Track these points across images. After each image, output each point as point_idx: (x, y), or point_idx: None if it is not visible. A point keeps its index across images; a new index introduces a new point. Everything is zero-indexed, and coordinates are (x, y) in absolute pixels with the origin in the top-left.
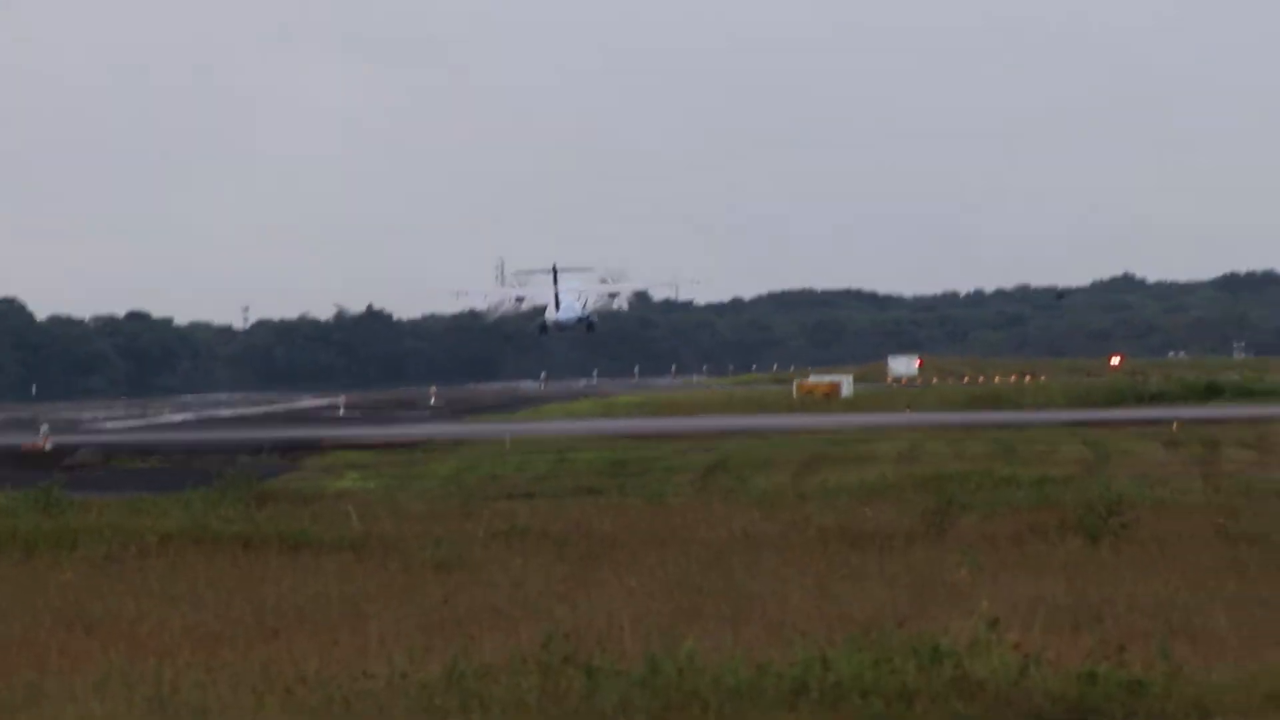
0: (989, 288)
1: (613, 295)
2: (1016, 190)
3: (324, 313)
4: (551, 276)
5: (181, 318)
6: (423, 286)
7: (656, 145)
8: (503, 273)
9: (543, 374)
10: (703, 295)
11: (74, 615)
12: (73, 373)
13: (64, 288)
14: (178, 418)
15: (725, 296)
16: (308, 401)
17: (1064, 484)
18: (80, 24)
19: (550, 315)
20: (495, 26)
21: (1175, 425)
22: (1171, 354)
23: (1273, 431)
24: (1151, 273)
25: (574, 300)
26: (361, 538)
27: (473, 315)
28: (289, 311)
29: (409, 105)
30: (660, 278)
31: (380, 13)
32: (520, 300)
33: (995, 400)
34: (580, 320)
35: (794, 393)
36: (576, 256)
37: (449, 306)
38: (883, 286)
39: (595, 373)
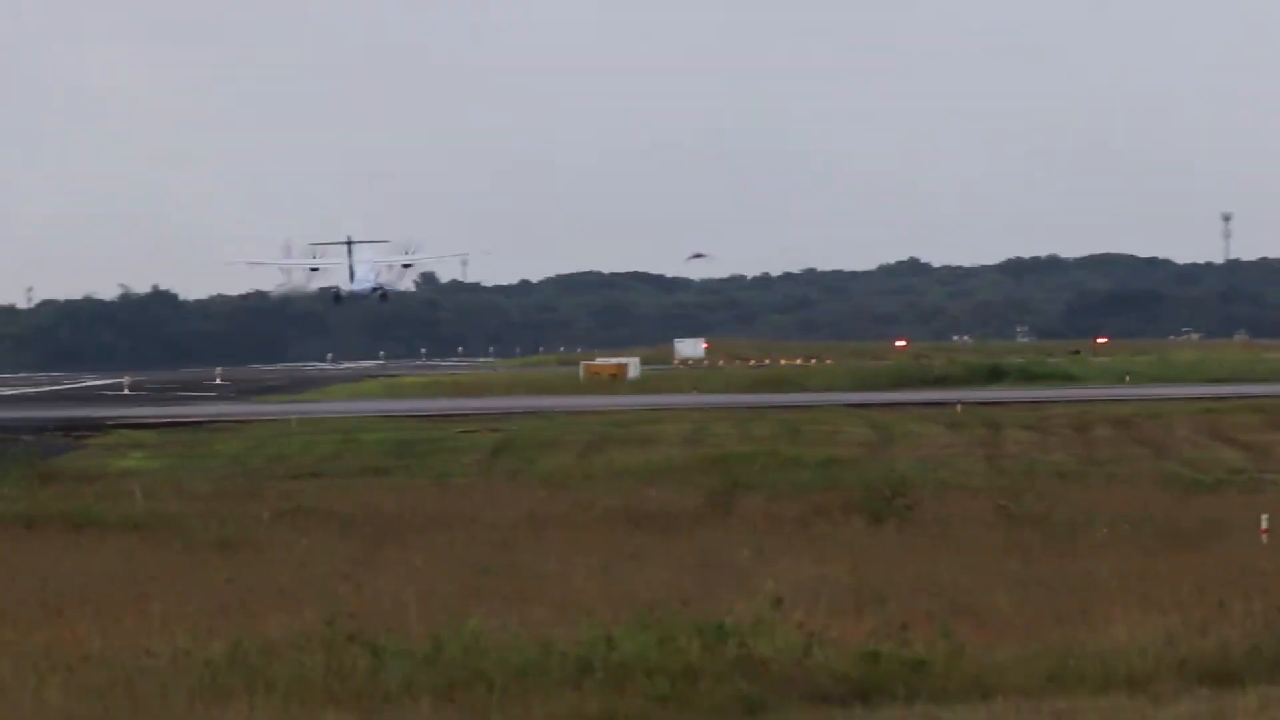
0: (776, 271)
1: (406, 266)
2: (803, 172)
3: (109, 293)
4: (346, 248)
5: None
6: (211, 264)
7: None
8: (289, 250)
9: (329, 355)
10: (490, 277)
11: None
12: None
13: None
14: None
15: (513, 278)
16: (92, 381)
17: (848, 465)
18: None
19: (345, 286)
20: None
21: (958, 407)
22: (956, 338)
23: (1054, 414)
24: (936, 257)
25: (368, 270)
26: (145, 517)
27: (260, 296)
28: (74, 292)
29: (197, 83)
30: (452, 249)
31: None
32: (315, 270)
33: (781, 382)
34: (374, 290)
35: (581, 374)
36: (365, 232)
37: (237, 286)
38: (670, 270)
39: (382, 354)
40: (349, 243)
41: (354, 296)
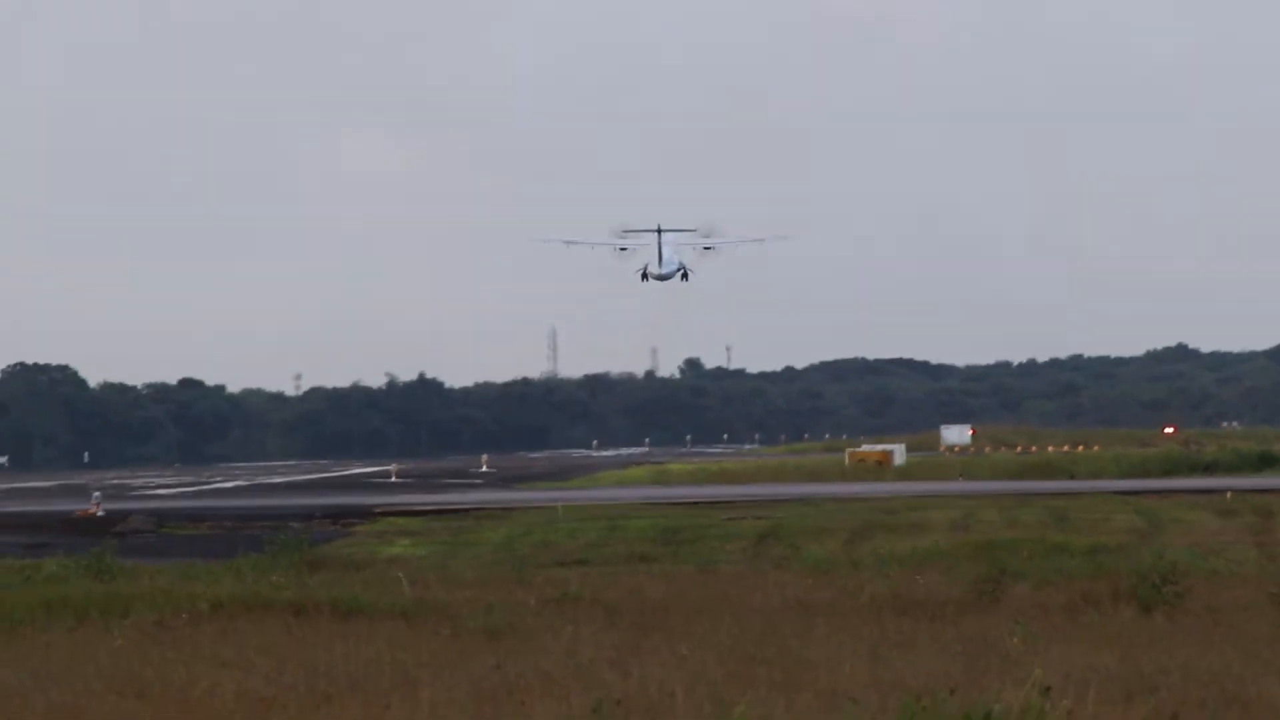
0: (1042, 357)
1: (708, 248)
2: (1070, 260)
3: (376, 380)
4: (656, 234)
5: (234, 385)
6: (475, 354)
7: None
8: (554, 342)
9: (594, 442)
10: (755, 363)
11: (125, 681)
12: (126, 440)
13: (117, 355)
14: (229, 484)
15: (778, 365)
16: (359, 469)
17: (1117, 553)
18: (131, 94)
19: (653, 269)
20: (527, 92)
21: (1229, 495)
22: (1225, 424)
23: None
24: (1205, 343)
25: (672, 253)
26: (413, 604)
27: (525, 383)
28: (341, 379)
29: (463, 173)
30: (749, 235)
31: (421, 86)
32: (624, 250)
33: (1048, 469)
34: (678, 270)
35: (846, 461)
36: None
37: (502, 374)
38: (935, 355)
39: (647, 441)
40: (659, 230)
41: (661, 277)
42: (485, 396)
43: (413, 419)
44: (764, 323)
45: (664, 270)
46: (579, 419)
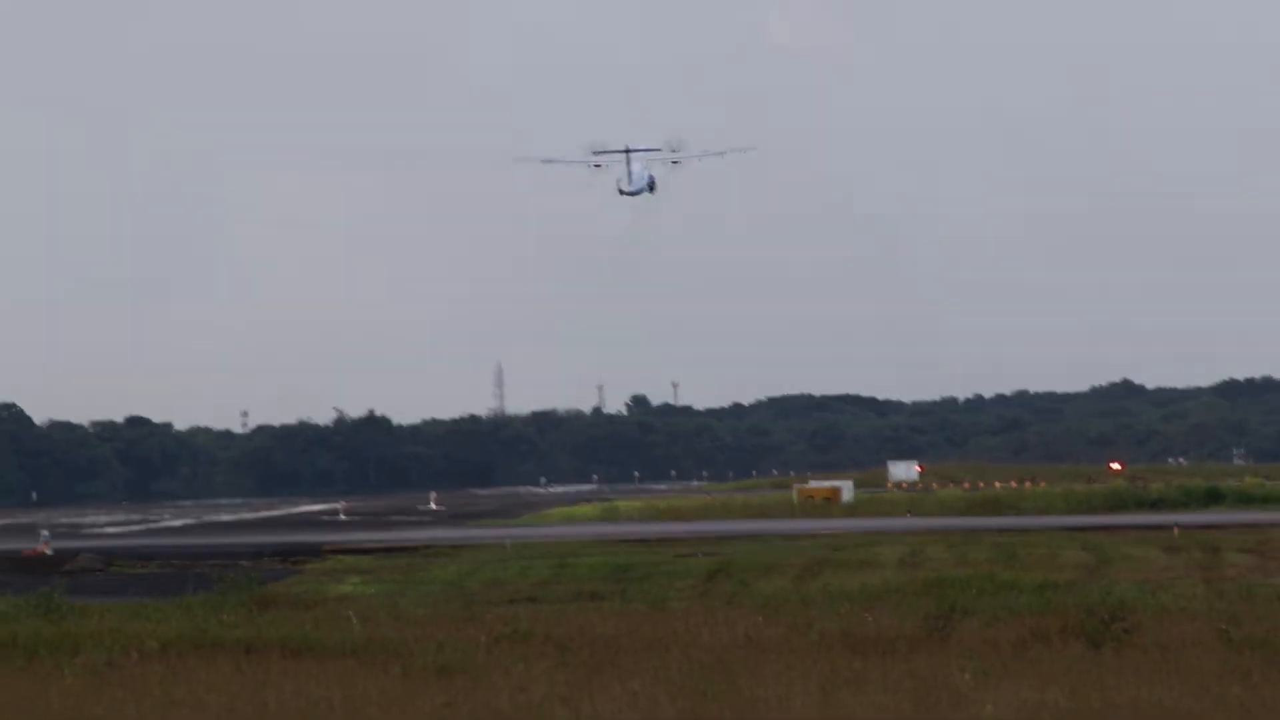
0: (988, 393)
1: (675, 163)
2: (1015, 296)
3: (324, 417)
4: (625, 155)
5: (181, 423)
6: (423, 387)
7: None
8: (501, 379)
9: (542, 479)
10: (702, 400)
11: None
12: (73, 478)
13: (63, 393)
14: (178, 522)
15: (725, 401)
16: (308, 506)
17: (1066, 589)
18: (80, 137)
19: (623, 185)
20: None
21: (1176, 530)
22: (1171, 460)
23: (1274, 537)
24: (1150, 379)
25: (642, 169)
26: (363, 642)
27: (473, 420)
28: (288, 416)
29: (398, 211)
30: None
31: (362, 125)
32: (597, 167)
33: (996, 505)
34: (648, 186)
35: (795, 498)
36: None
37: (450, 410)
38: (882, 392)
39: (595, 478)
40: (627, 151)
41: (632, 193)
42: (433, 433)
43: (361, 456)
44: (710, 359)
45: (634, 186)
46: (527, 456)
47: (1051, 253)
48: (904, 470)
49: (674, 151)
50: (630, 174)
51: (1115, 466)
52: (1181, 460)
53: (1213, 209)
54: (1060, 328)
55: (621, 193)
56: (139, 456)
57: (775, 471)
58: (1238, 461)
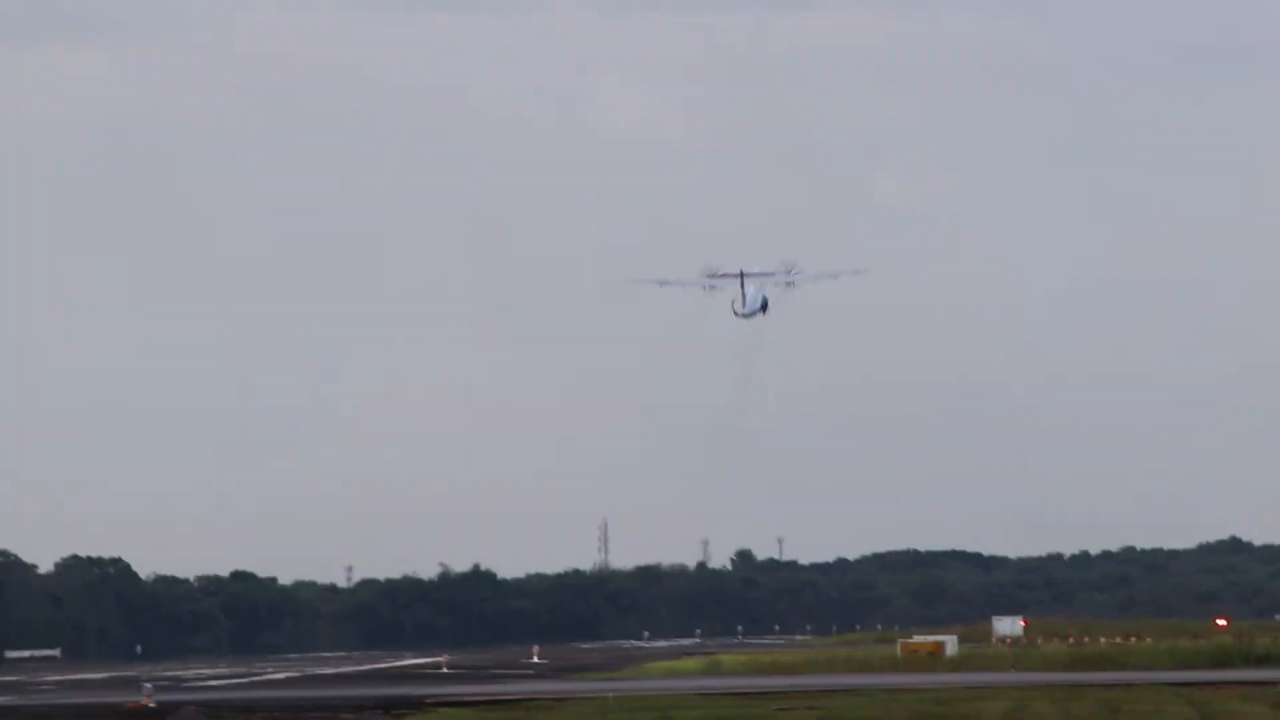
0: (1094, 549)
1: (790, 284)
2: (1123, 450)
3: (428, 571)
4: (740, 279)
5: (286, 576)
6: (530, 539)
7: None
8: (605, 534)
9: (645, 633)
10: (806, 554)
11: None
12: (178, 632)
13: (169, 547)
14: (281, 675)
15: (829, 556)
16: (411, 660)
17: None
18: (171, 298)
19: (737, 308)
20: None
21: None
22: (1278, 616)
23: None
24: (1258, 535)
25: (756, 293)
26: None
27: (577, 574)
28: (393, 570)
29: (506, 370)
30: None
31: (458, 283)
32: (712, 287)
33: (1100, 661)
34: (762, 308)
35: (898, 652)
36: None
37: (554, 564)
38: (987, 547)
39: (699, 632)
40: (741, 274)
41: (746, 315)
42: (538, 588)
43: (465, 610)
44: (815, 513)
45: (748, 309)
46: (630, 610)
47: (1158, 401)
48: (1008, 625)
49: (789, 273)
50: (745, 295)
51: (1221, 622)
52: None
53: None
54: (1168, 482)
55: (736, 314)
56: (244, 610)
57: (879, 626)
58: None
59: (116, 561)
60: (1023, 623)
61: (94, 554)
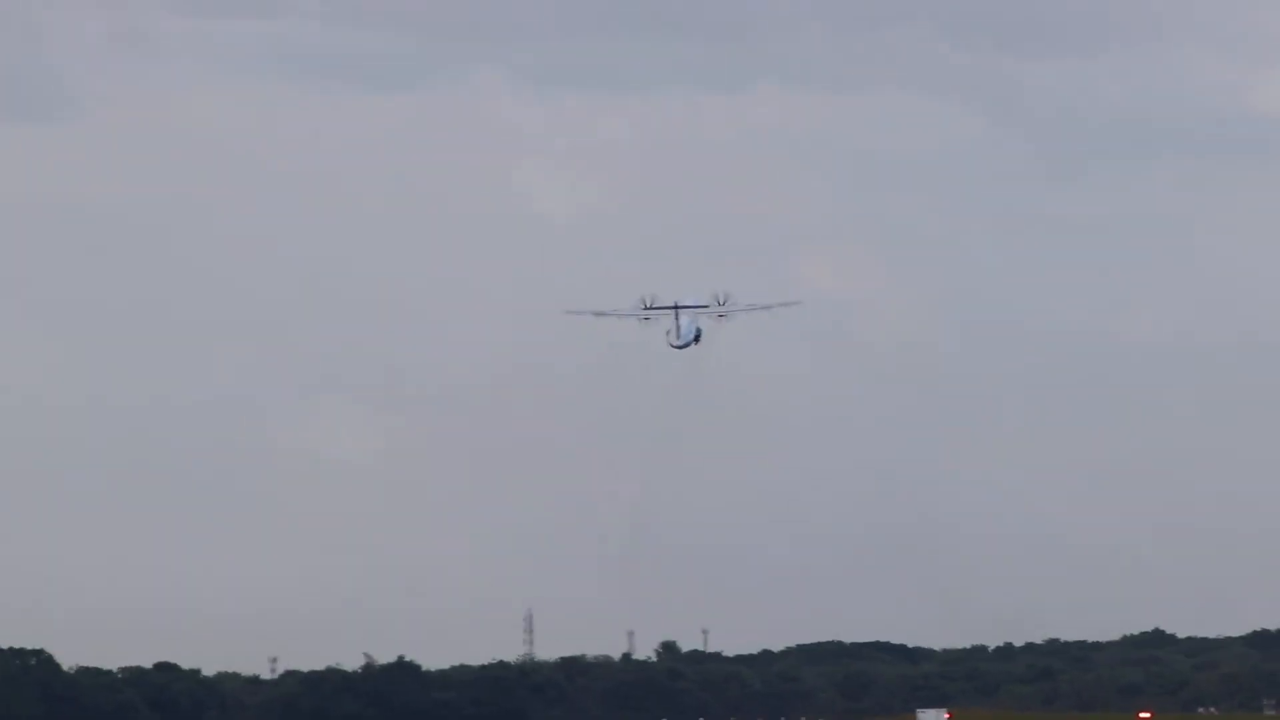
0: (1018, 641)
1: (721, 316)
2: (1046, 544)
3: (353, 662)
4: (674, 311)
5: (209, 668)
6: (455, 631)
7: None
8: (530, 625)
9: None
10: (731, 646)
11: None
12: None
13: (91, 638)
14: None
15: (754, 648)
16: None
17: None
18: (97, 373)
19: (671, 339)
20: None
21: None
22: (1202, 709)
23: None
24: (1182, 628)
25: (690, 324)
26: None
27: (501, 665)
28: (317, 661)
29: (433, 449)
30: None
31: (382, 364)
32: (646, 319)
33: None
34: (695, 339)
35: None
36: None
37: (478, 656)
38: (912, 639)
39: None
40: (676, 307)
41: (680, 346)
42: (462, 679)
43: (389, 702)
44: (739, 604)
45: (682, 340)
46: (555, 702)
47: (1079, 496)
48: (933, 717)
49: (721, 304)
50: (679, 327)
51: (1145, 716)
52: (1213, 710)
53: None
54: (1090, 574)
55: (671, 346)
56: (166, 702)
57: (804, 718)
58: (1269, 712)
59: (39, 653)
60: (947, 715)
61: (16, 645)
